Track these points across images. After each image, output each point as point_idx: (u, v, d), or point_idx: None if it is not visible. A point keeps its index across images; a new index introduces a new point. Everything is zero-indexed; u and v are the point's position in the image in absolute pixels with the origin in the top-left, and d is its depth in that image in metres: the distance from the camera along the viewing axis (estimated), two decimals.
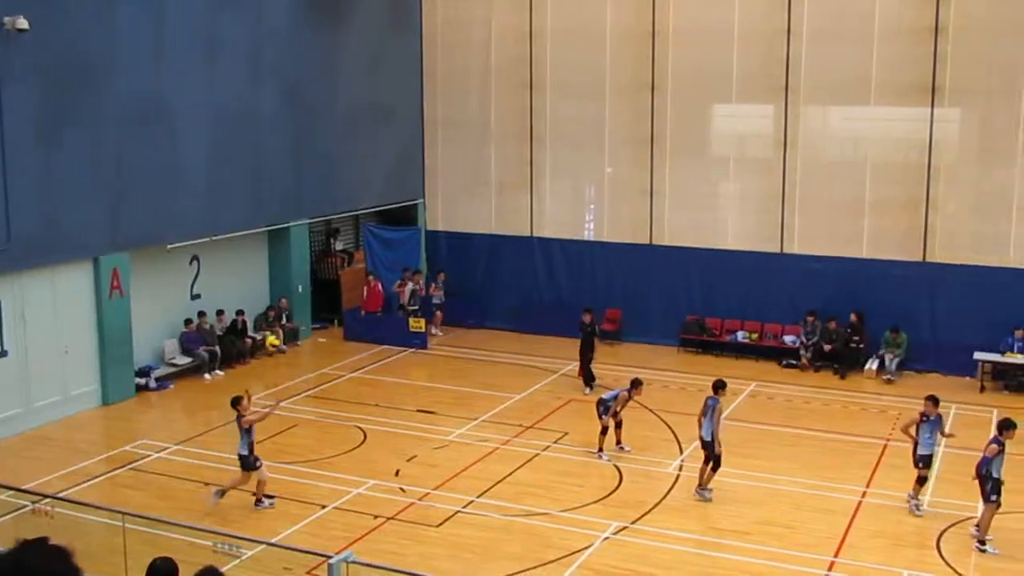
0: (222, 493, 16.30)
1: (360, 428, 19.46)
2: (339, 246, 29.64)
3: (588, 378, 22.82)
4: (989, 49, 23.62)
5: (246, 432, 16.26)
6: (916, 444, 16.28)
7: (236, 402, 16.44)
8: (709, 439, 16.87)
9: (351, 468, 17.80)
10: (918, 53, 23.97)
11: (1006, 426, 15.32)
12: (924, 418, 16.21)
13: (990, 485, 15.14)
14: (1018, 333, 23.29)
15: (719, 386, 17.25)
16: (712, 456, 16.86)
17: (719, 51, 25.74)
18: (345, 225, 29.95)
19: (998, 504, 15.14)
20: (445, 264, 29.04)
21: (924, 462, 16.22)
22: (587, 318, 23.04)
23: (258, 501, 16.34)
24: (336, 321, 28.06)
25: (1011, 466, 15.45)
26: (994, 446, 15.24)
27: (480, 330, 27.93)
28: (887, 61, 24.29)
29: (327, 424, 20.46)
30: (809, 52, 24.96)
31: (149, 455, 18.66)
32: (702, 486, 16.96)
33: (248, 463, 16.31)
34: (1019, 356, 23.16)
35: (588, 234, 28.16)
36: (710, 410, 16.94)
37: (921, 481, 16.34)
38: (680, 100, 26.30)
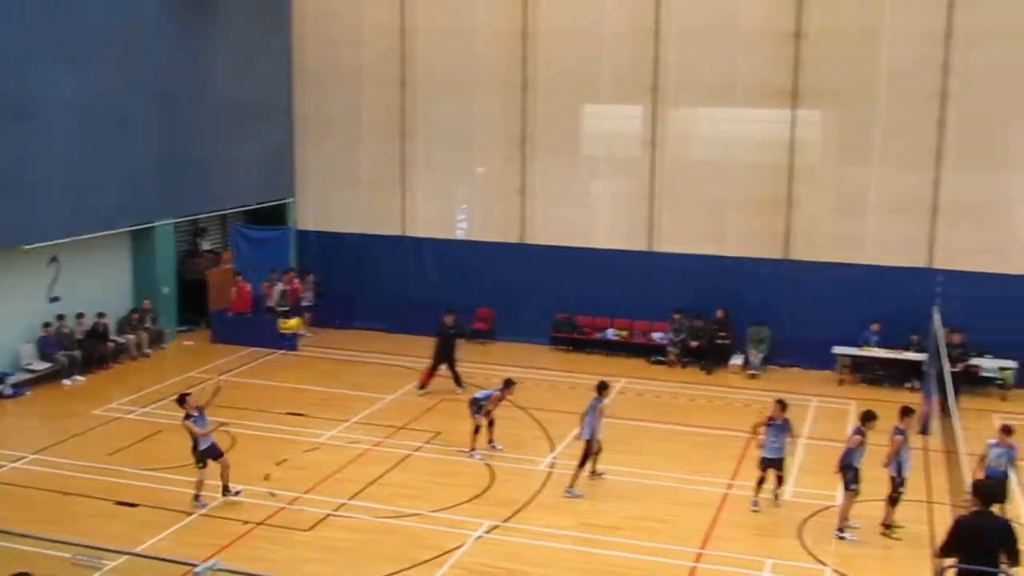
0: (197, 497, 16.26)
1: (228, 432, 19.08)
2: (206, 246, 29.00)
3: (457, 379, 22.74)
4: (847, 54, 24.39)
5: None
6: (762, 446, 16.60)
7: (182, 400, 16.34)
8: (587, 438, 17.11)
9: (218, 473, 17.40)
10: (780, 57, 24.64)
11: (868, 417, 15.84)
12: (771, 421, 16.49)
13: (850, 474, 15.64)
14: (874, 327, 24.14)
15: (602, 387, 17.54)
16: (589, 454, 17.12)
17: (589, 52, 26.04)
18: (213, 224, 29.33)
19: (857, 492, 15.65)
20: (317, 264, 28.69)
21: (765, 464, 16.49)
22: (449, 319, 22.98)
23: (225, 490, 16.47)
24: (203, 323, 27.45)
25: (870, 456, 15.94)
26: (857, 437, 15.74)
27: (352, 330, 27.67)
28: (751, 64, 24.91)
29: None
30: (676, 54, 25.42)
31: (4, 465, 17.96)
32: (593, 474, 17.46)
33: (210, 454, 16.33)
34: (876, 349, 23.99)
35: (460, 233, 28.15)
36: (592, 409, 17.20)
37: (759, 482, 16.60)
38: (551, 100, 26.50)
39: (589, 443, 17.14)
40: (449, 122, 27.49)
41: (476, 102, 27.08)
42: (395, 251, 28.15)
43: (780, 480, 16.55)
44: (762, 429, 16.46)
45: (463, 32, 27.00)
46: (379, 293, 28.20)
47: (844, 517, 15.69)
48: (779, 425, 16.33)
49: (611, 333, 26.40)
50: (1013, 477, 15.81)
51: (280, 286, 26.93)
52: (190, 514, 15.95)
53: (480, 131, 27.21)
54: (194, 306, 27.43)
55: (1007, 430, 15.86)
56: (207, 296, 27.42)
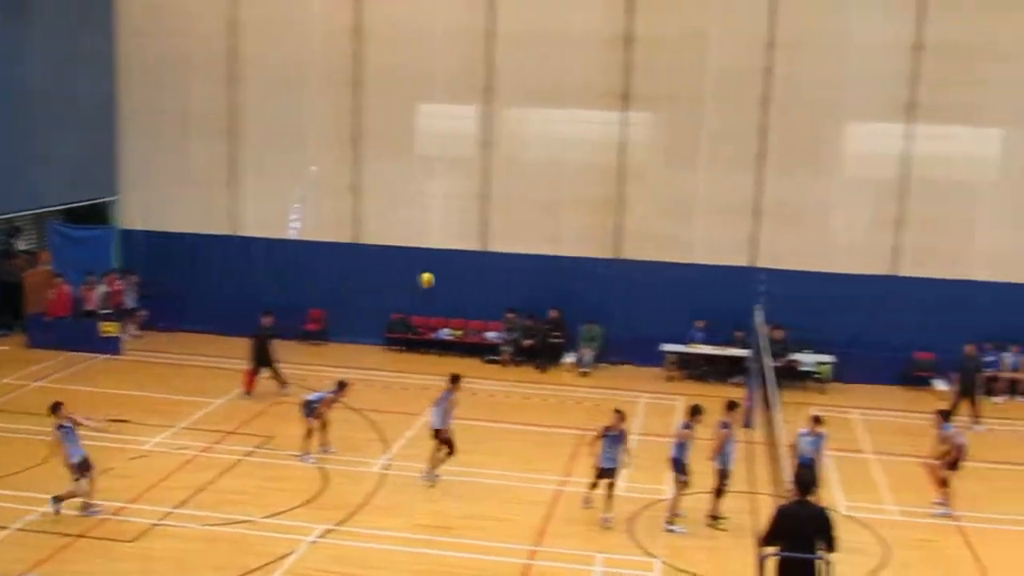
0: (86, 506, 15.79)
1: (46, 442, 18.22)
2: (22, 246, 27.71)
3: (280, 379, 22.36)
4: (676, 58, 25.02)
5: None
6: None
7: (55, 409, 15.89)
8: (438, 427, 17.50)
9: (35, 485, 16.62)
10: (611, 60, 25.11)
11: (695, 412, 16.29)
12: (608, 431, 16.40)
13: (679, 468, 16.05)
14: (699, 325, 24.85)
15: (454, 379, 17.82)
16: (444, 441, 17.53)
17: (423, 51, 25.96)
18: (29, 224, 28.04)
19: (686, 485, 16.06)
20: (145, 264, 27.66)
21: (600, 474, 16.47)
22: (266, 320, 22.58)
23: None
24: (18, 328, 26.18)
25: (696, 449, 16.39)
26: (685, 431, 16.17)
27: (181, 333, 26.86)
28: (583, 66, 25.30)
29: (8, 439, 19.01)
30: (509, 55, 25.60)
31: None
32: (431, 470, 17.60)
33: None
34: (701, 346, 24.70)
35: (292, 233, 27.63)
36: (443, 400, 17.54)
37: (593, 486, 16.49)
38: (384, 98, 26.30)
39: (439, 432, 17.41)
40: (281, 119, 26.94)
41: (308, 99, 26.65)
42: (225, 251, 27.45)
43: (611, 487, 16.39)
44: (599, 441, 16.38)
45: (295, 26, 26.50)
46: (209, 294, 27.43)
47: (674, 510, 16.08)
48: (615, 436, 16.35)
49: (445, 333, 26.42)
50: (821, 464, 16.57)
51: (102, 288, 25.96)
52: (4, 528, 15.19)
53: (312, 129, 26.79)
54: (9, 310, 26.17)
55: (817, 420, 16.81)
56: (23, 299, 26.16)
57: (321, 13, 26.38)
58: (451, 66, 25.93)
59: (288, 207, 27.57)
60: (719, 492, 16.23)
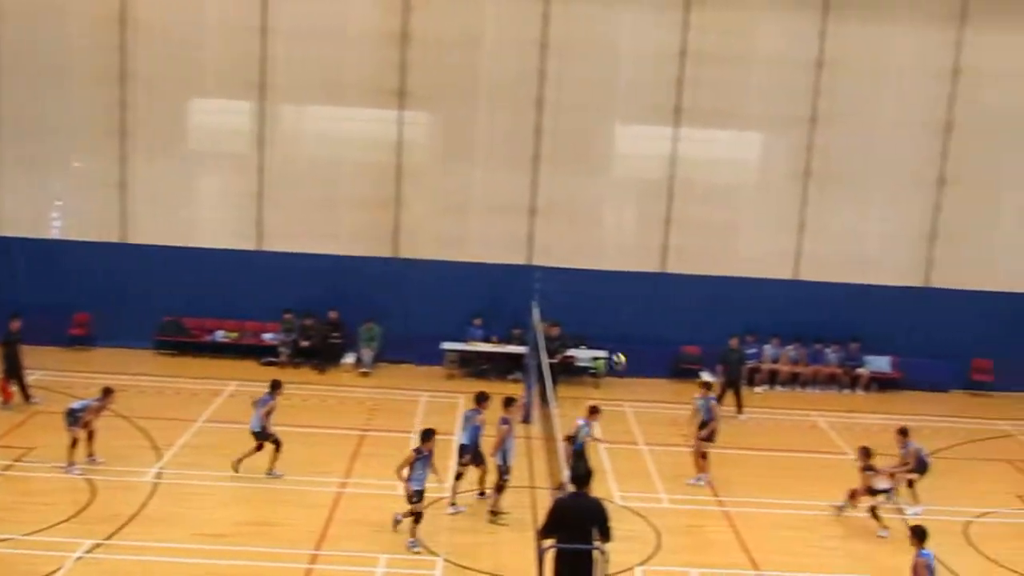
0: None
1: None
2: None
3: (24, 392, 21.18)
4: (452, 58, 25.25)
5: None
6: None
7: None
8: (257, 430, 17.48)
9: None
10: (388, 58, 25.07)
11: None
12: (419, 454, 15.72)
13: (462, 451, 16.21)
14: (477, 322, 25.16)
15: (275, 386, 17.92)
16: (262, 444, 17.55)
17: (194, 44, 25.21)
18: None
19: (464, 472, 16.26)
20: None
21: (417, 497, 15.92)
22: (15, 325, 21.22)
23: None
24: None
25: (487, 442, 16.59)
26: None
27: None
28: (360, 64, 25.17)
29: None
30: (285, 51, 25.17)
31: None
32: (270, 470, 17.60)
33: None
34: (480, 344, 25.00)
35: (54, 232, 26.32)
36: (260, 404, 17.56)
37: (417, 518, 15.59)
38: (154, 92, 25.35)
39: (258, 434, 17.64)
40: (40, 112, 25.49)
41: (71, 92, 25.37)
42: None
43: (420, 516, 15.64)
44: (406, 469, 15.49)
45: (53, 14, 25.15)
46: None
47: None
48: (426, 456, 15.67)
49: (220, 335, 25.74)
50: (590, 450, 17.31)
51: None
52: None
53: (76, 123, 25.54)
54: None
55: (594, 410, 17.57)
56: None
57: (84, 1, 25.16)
58: (224, 60, 25.29)
59: (49, 205, 26.32)
60: (499, 488, 16.47)
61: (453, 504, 16.56)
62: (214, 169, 26.27)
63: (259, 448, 17.71)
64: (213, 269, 25.74)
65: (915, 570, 12.79)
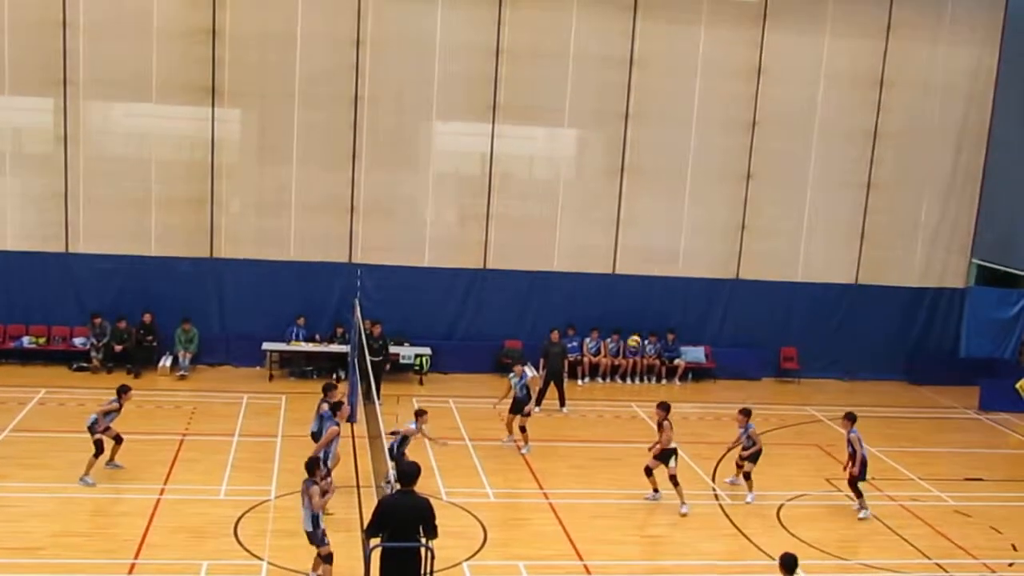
0: None
1: None
2: None
3: None
4: (264, 55, 24.82)
5: None
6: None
7: None
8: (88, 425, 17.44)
9: None
10: (197, 54, 24.44)
11: (337, 407, 16.45)
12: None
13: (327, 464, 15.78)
14: (300, 321, 24.85)
15: (123, 390, 17.75)
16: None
17: None
18: None
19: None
20: None
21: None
22: None
23: None
24: None
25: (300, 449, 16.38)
26: (334, 427, 15.99)
27: None
28: (167, 60, 24.44)
29: None
30: (88, 46, 24.22)
31: None
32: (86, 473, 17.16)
33: None
34: (302, 343, 24.69)
35: None
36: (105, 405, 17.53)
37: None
38: None
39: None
40: None
41: None
42: None
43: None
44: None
45: None
46: None
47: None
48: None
49: (27, 341, 24.61)
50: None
51: None
52: None
53: None
54: None
55: (420, 413, 17.67)
56: None
57: None
58: (21, 56, 24.12)
59: None
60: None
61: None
62: (15, 169, 25.09)
63: (99, 451, 17.44)
64: (17, 273, 24.61)
65: None
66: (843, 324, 27.50)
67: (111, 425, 17.75)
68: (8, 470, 17.50)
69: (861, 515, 17.55)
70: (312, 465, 13.85)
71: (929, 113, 27.26)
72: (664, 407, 17.79)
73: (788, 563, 12.02)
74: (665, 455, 17.49)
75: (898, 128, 27.15)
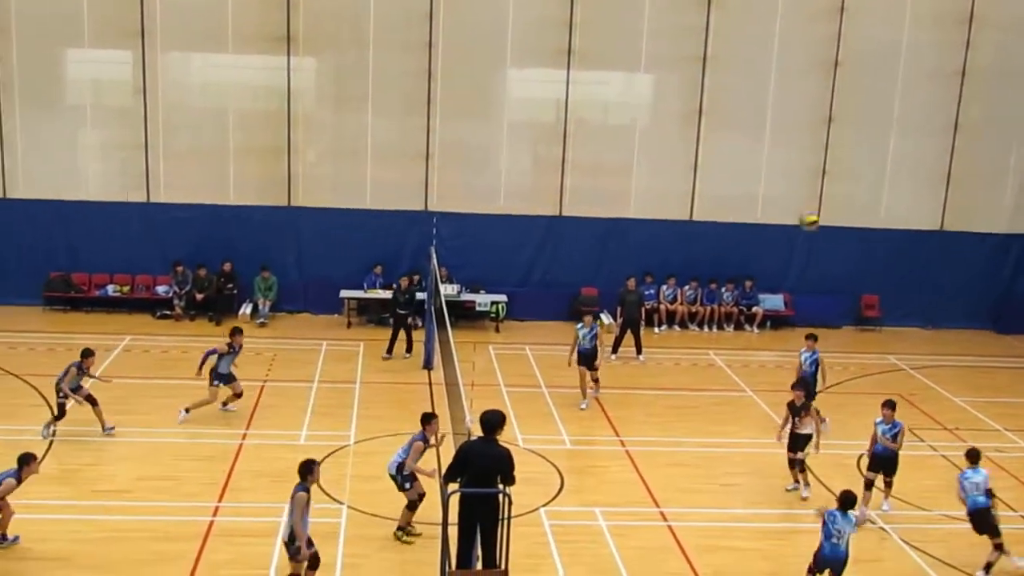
0: None
1: None
2: None
3: None
4: (338, 2, 24.81)
5: None
6: None
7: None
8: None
9: None
10: (272, 3, 24.53)
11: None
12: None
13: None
14: (377, 270, 24.97)
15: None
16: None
17: None
18: None
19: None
20: None
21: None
22: None
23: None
24: None
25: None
26: (419, 443, 14.24)
27: None
28: (243, 10, 24.58)
29: None
30: None
31: None
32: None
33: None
34: (379, 291, 24.83)
35: None
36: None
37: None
38: (26, 44, 24.42)
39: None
40: None
41: None
42: None
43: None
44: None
45: None
46: None
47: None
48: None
49: (111, 289, 25.14)
50: None
51: None
52: None
53: None
54: None
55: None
56: None
57: None
58: (100, 8, 24.40)
59: None
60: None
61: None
62: (97, 121, 25.46)
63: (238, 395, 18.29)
64: (101, 223, 25.07)
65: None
66: (927, 271, 26.85)
67: (232, 370, 18.24)
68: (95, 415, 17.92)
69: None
70: (306, 468, 12.32)
71: (1019, 52, 26.30)
72: (802, 387, 16.46)
73: (847, 500, 12.49)
74: (800, 441, 15.95)
75: (987, 68, 26.25)
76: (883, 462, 15.46)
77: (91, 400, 17.22)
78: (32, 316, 24.33)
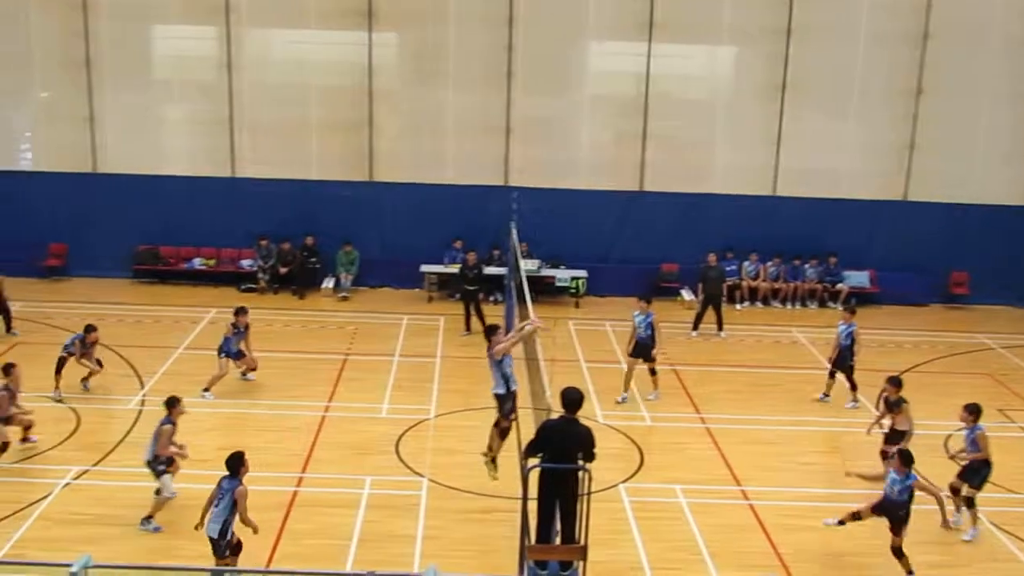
0: None
1: None
2: None
3: (8, 323, 21.02)
4: None
5: None
6: None
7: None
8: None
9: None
10: None
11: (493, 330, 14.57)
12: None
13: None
14: (457, 244, 25.05)
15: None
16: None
17: None
18: None
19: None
20: None
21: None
22: None
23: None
24: None
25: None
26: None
27: None
28: None
29: None
30: None
31: None
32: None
33: None
34: (459, 267, 24.87)
35: (23, 164, 25.99)
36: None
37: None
38: (116, 20, 24.88)
39: None
40: (2, 44, 25.05)
41: (30, 22, 24.86)
42: None
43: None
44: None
45: None
46: None
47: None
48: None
49: (198, 263, 25.61)
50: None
51: None
52: None
53: (39, 54, 25.06)
54: None
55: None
56: None
57: None
58: None
59: (17, 137, 25.98)
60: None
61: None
62: (183, 96, 25.89)
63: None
64: (187, 197, 25.51)
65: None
66: (1021, 248, 26.10)
67: (241, 348, 18.53)
68: (182, 386, 18.21)
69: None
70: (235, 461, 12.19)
71: None
72: (896, 382, 15.59)
73: (906, 458, 12.76)
74: (896, 437, 15.06)
75: None
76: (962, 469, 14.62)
77: (99, 363, 18.02)
78: (121, 288, 24.89)
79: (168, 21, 25.30)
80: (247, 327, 18.57)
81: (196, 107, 25.81)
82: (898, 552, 12.92)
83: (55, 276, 25.16)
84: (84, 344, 17.79)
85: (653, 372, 18.55)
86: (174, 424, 13.86)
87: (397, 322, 23.02)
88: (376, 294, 25.35)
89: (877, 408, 16.74)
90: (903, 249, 26.09)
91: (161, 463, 13.68)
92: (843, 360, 18.56)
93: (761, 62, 25.67)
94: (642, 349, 18.36)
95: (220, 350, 18.28)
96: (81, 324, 18.30)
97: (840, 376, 18.73)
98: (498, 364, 13.78)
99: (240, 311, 18.67)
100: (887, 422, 15.55)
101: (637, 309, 18.53)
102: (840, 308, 22.92)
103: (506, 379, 13.85)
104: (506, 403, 13.92)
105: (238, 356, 18.44)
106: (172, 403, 13.95)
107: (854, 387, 18.62)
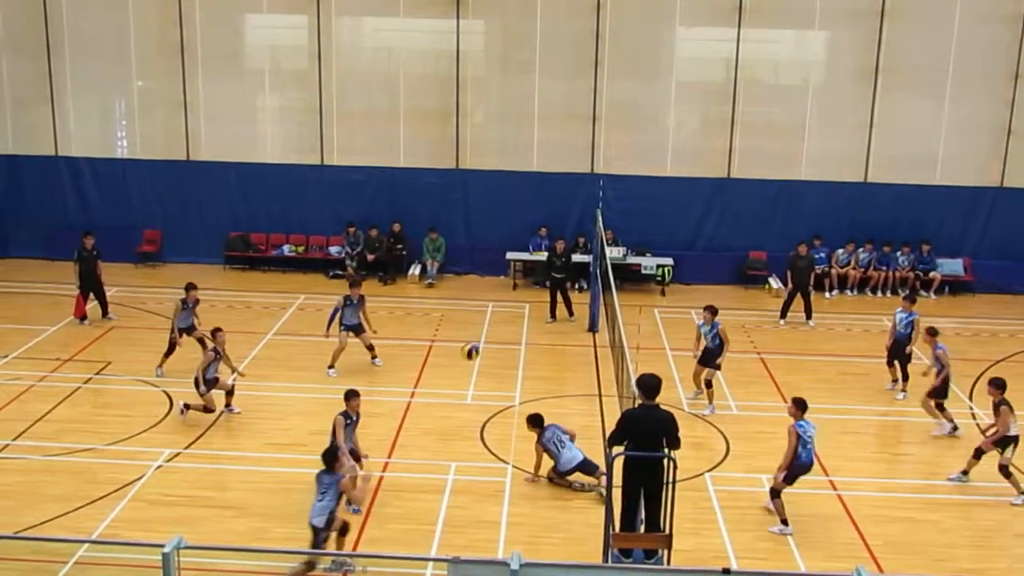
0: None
1: None
2: None
3: (104, 307, 21.55)
4: None
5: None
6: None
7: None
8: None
9: None
10: None
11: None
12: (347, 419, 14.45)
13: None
14: (541, 232, 25.06)
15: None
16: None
17: None
18: None
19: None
20: None
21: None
22: (88, 242, 21.29)
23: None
24: None
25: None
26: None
27: (5, 260, 25.72)
28: None
29: None
30: None
31: None
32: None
33: None
34: (545, 254, 24.88)
35: (121, 151, 26.65)
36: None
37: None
38: (208, 10, 25.35)
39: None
40: (101, 33, 25.71)
41: (129, 11, 25.45)
42: (49, 173, 26.24)
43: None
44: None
45: None
46: (34, 218, 26.29)
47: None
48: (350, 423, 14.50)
49: (287, 249, 26.00)
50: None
51: None
52: None
53: (136, 42, 25.65)
54: None
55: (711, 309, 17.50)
56: None
57: None
58: None
59: (115, 125, 26.61)
60: None
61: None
62: (274, 85, 26.29)
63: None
64: (278, 184, 25.92)
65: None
66: None
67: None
68: (272, 371, 18.62)
69: (935, 432, 16.58)
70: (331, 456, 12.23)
71: None
72: (999, 385, 14.73)
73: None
74: (1003, 442, 14.44)
75: None
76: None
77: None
78: (213, 273, 25.38)
79: (260, 10, 25.69)
80: (361, 299, 18.79)
81: (287, 95, 26.20)
82: (1005, 471, 13.40)
83: (149, 262, 25.76)
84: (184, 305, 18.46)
85: (709, 384, 17.63)
86: (347, 416, 14.11)
87: (482, 309, 23.12)
88: (461, 281, 25.49)
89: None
90: (999, 237, 25.47)
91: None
92: (899, 348, 18.35)
93: (854, 46, 25.19)
94: (708, 355, 17.66)
95: (338, 324, 18.51)
96: (171, 309, 18.67)
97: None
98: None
99: (353, 283, 18.99)
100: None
101: (701, 320, 17.94)
102: (931, 298, 22.44)
103: None
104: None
105: (358, 329, 18.66)
106: (348, 396, 14.23)
107: (906, 377, 18.28)
